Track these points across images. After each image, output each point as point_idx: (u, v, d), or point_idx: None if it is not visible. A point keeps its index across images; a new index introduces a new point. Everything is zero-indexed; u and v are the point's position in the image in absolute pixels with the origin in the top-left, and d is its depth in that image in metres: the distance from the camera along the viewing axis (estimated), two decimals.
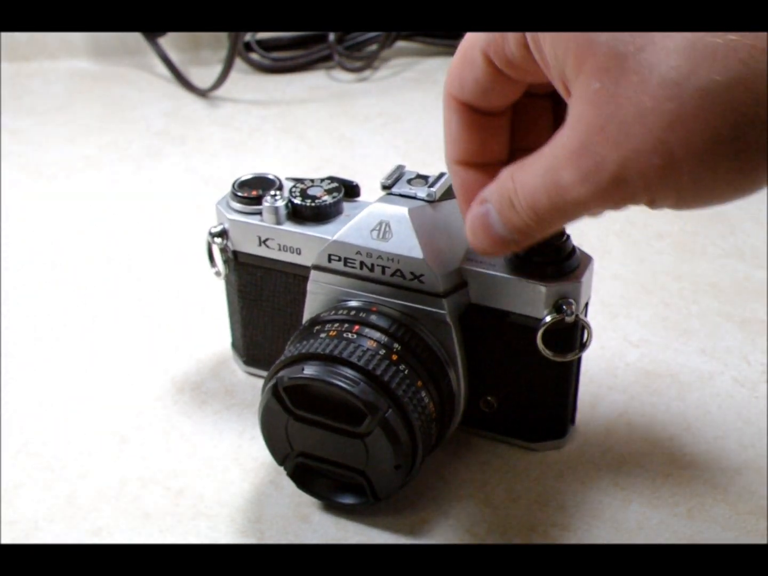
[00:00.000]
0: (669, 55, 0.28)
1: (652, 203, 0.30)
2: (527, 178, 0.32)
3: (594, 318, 0.48)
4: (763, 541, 0.40)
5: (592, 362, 0.49)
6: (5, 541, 0.40)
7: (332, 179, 0.43)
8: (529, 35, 0.31)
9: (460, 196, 0.36)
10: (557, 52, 0.30)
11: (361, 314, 0.40)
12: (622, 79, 0.28)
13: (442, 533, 0.40)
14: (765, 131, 0.28)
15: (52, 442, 0.45)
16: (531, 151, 0.35)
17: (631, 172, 0.29)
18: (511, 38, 0.32)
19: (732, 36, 0.27)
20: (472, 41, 0.34)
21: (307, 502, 0.42)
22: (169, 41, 0.83)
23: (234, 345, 0.49)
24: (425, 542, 0.40)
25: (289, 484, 0.41)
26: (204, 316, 0.53)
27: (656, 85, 0.28)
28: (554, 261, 0.39)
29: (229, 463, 0.44)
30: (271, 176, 0.45)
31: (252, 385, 0.48)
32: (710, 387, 0.48)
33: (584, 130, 0.30)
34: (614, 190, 0.30)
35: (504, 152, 0.37)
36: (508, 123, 0.36)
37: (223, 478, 0.43)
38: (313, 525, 0.41)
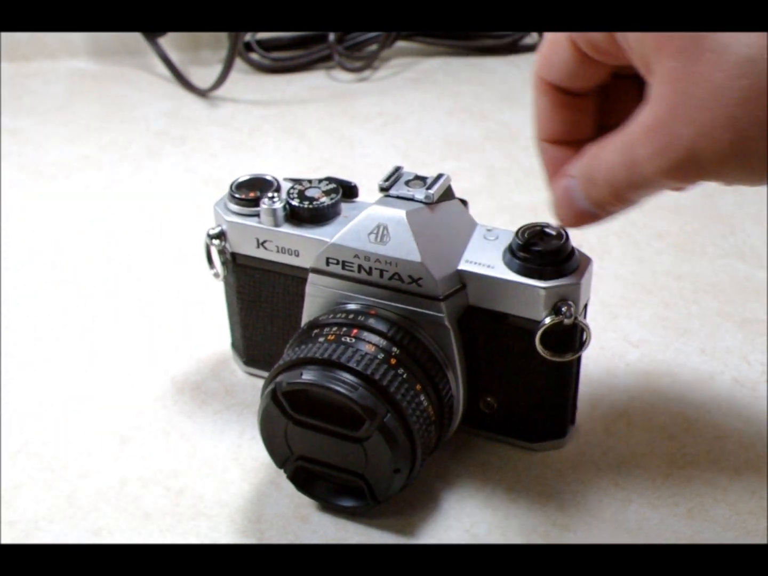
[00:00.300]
0: (743, 33, 0.28)
1: (725, 180, 0.31)
2: (607, 155, 0.33)
3: (594, 318, 0.48)
4: (763, 541, 0.40)
5: (592, 362, 0.49)
6: (5, 541, 0.40)
7: (330, 180, 0.43)
8: None
9: (547, 171, 0.38)
10: (639, 36, 0.31)
11: (359, 318, 0.40)
12: (698, 58, 0.29)
13: (442, 533, 0.40)
14: None
15: (52, 442, 0.45)
16: (572, 143, 0.37)
17: (703, 147, 0.30)
18: None
19: None
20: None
21: (306, 502, 0.42)
22: (169, 41, 0.83)
23: (234, 345, 0.49)
24: (425, 542, 0.40)
25: (289, 485, 0.41)
26: (204, 316, 0.53)
27: (731, 62, 0.29)
28: (553, 262, 0.39)
29: (229, 463, 0.44)
30: (269, 177, 0.45)
31: (252, 385, 0.48)
32: (710, 387, 0.48)
33: (661, 107, 0.31)
34: (687, 166, 0.31)
35: (590, 130, 0.38)
36: (594, 102, 0.37)
37: (223, 478, 0.43)
38: (313, 525, 0.41)
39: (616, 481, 0.43)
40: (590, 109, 0.37)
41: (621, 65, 0.35)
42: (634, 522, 0.41)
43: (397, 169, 0.42)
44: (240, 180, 0.44)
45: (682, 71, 0.30)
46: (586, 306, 0.41)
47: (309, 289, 0.42)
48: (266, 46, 0.83)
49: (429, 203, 0.41)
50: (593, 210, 0.35)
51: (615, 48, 0.33)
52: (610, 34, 0.32)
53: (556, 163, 0.38)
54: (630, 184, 0.33)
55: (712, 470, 0.43)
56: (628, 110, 0.37)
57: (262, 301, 0.45)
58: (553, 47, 0.35)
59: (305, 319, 0.42)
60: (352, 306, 0.41)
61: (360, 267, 0.40)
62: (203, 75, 0.80)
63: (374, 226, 0.40)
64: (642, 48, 0.31)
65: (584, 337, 0.40)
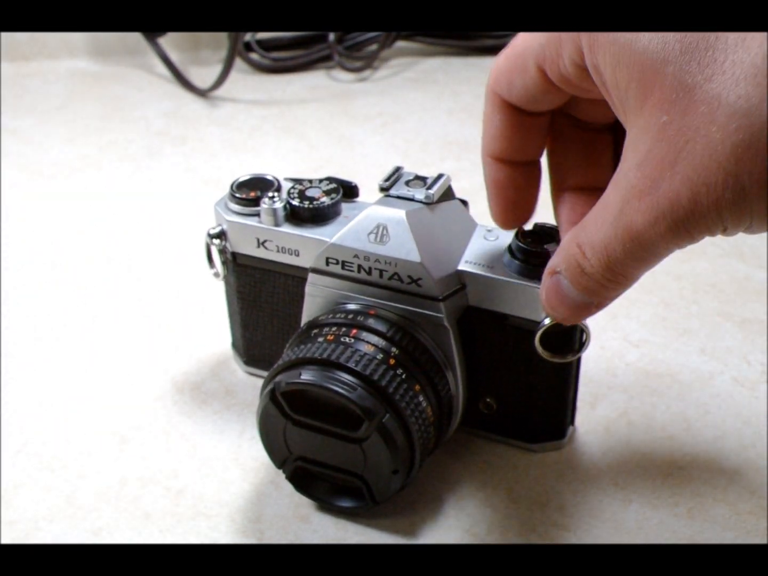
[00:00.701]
0: (737, 83, 0.27)
1: (726, 231, 0.30)
2: (595, 235, 0.32)
3: (594, 318, 0.48)
4: (763, 541, 0.40)
5: (592, 362, 0.49)
6: (5, 541, 0.40)
7: (331, 180, 0.43)
8: (588, 59, 0.31)
9: (491, 191, 0.37)
10: (619, 79, 0.30)
11: (358, 318, 0.40)
12: (690, 111, 0.28)
13: (442, 533, 0.40)
14: None
15: (52, 442, 0.45)
16: (588, 189, 0.36)
17: (704, 205, 0.29)
18: (566, 57, 0.31)
19: None
20: (525, 49, 0.33)
21: (306, 502, 0.42)
22: (169, 41, 0.83)
23: (234, 345, 0.49)
24: (425, 542, 0.40)
25: (289, 485, 0.41)
26: (204, 316, 0.53)
27: (725, 115, 0.27)
28: None
29: (229, 463, 0.44)
30: (269, 177, 0.45)
31: (252, 385, 0.48)
32: (710, 387, 0.48)
33: (655, 167, 0.29)
34: (690, 226, 0.30)
35: (539, 152, 0.37)
36: (547, 123, 0.36)
37: (223, 478, 0.43)
38: (313, 525, 0.41)
39: (616, 481, 0.43)
40: (543, 129, 0.36)
41: (587, 98, 0.34)
42: (634, 522, 0.41)
43: (397, 169, 0.42)
44: (240, 180, 0.44)
45: (673, 125, 0.28)
46: None
47: (309, 288, 0.42)
48: (266, 46, 0.83)
49: (429, 203, 0.41)
50: (588, 300, 0.34)
51: (587, 84, 0.32)
52: (583, 69, 0.31)
53: (501, 183, 0.36)
54: (629, 257, 0.31)
55: (712, 470, 0.43)
56: (601, 167, 0.36)
57: (262, 300, 0.45)
58: (516, 69, 0.34)
59: (305, 319, 0.42)
60: (351, 306, 0.41)
61: (360, 267, 0.40)
62: (203, 75, 0.80)
63: (374, 226, 0.40)
64: (621, 93, 0.30)
65: (584, 338, 0.40)
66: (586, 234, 0.32)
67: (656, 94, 0.29)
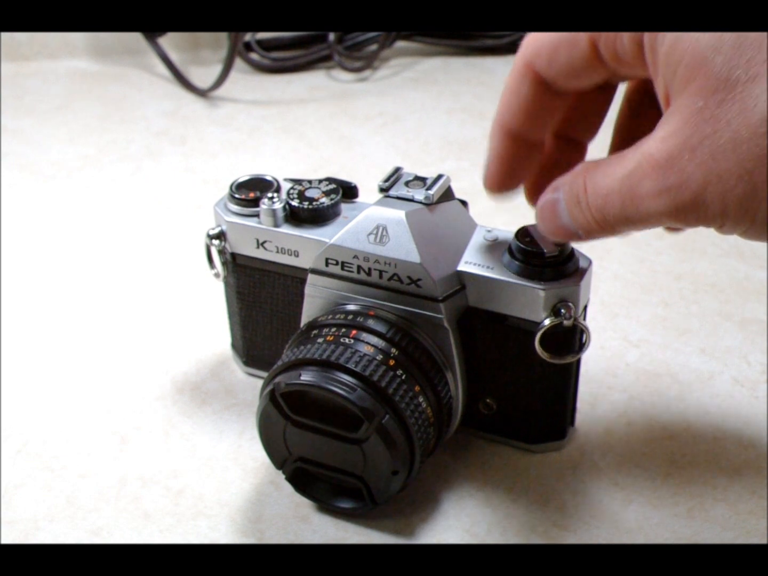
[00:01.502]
0: None
1: (722, 227, 0.31)
2: (602, 180, 0.32)
3: (594, 318, 0.48)
4: (763, 541, 0.40)
5: (592, 362, 0.49)
6: (5, 541, 0.40)
7: (330, 180, 0.43)
8: (647, 35, 0.31)
9: (492, 160, 0.37)
10: (671, 59, 0.30)
11: (358, 318, 0.40)
12: (726, 104, 0.29)
13: (442, 533, 0.40)
14: None
15: (52, 442, 0.45)
16: (575, 141, 0.37)
17: (711, 194, 0.29)
18: (626, 34, 0.32)
19: None
20: None
21: (306, 502, 0.42)
22: (169, 41, 0.83)
23: (234, 345, 0.49)
24: (425, 542, 0.40)
25: (289, 485, 0.41)
26: (204, 316, 0.53)
27: (756, 118, 0.28)
28: (553, 264, 0.39)
29: (229, 463, 0.44)
30: (269, 177, 0.45)
31: (252, 386, 0.48)
32: (710, 387, 0.48)
33: (677, 144, 0.30)
34: (690, 209, 0.30)
35: (547, 132, 0.38)
36: (567, 104, 0.37)
37: (223, 478, 0.43)
38: (313, 525, 0.41)
39: (616, 481, 0.43)
40: (561, 109, 0.37)
41: (631, 76, 0.34)
42: (634, 522, 0.41)
43: (397, 169, 0.42)
44: (240, 180, 0.44)
45: (706, 112, 0.29)
46: (585, 307, 0.41)
47: (308, 289, 0.42)
48: (266, 46, 0.83)
49: (428, 204, 0.41)
50: (576, 230, 0.34)
51: (638, 62, 0.32)
52: (640, 47, 0.31)
53: (505, 157, 0.37)
54: (623, 215, 0.32)
55: (712, 470, 0.43)
56: (591, 124, 0.38)
57: (261, 301, 0.45)
58: (564, 42, 0.34)
59: (304, 319, 0.42)
60: (351, 307, 0.41)
61: (359, 268, 0.40)
62: (203, 75, 0.80)
63: (373, 226, 0.40)
64: (669, 74, 0.31)
65: (584, 339, 0.40)
66: (595, 175, 0.33)
67: (699, 80, 0.29)
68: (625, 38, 0.32)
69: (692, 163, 0.30)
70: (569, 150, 0.39)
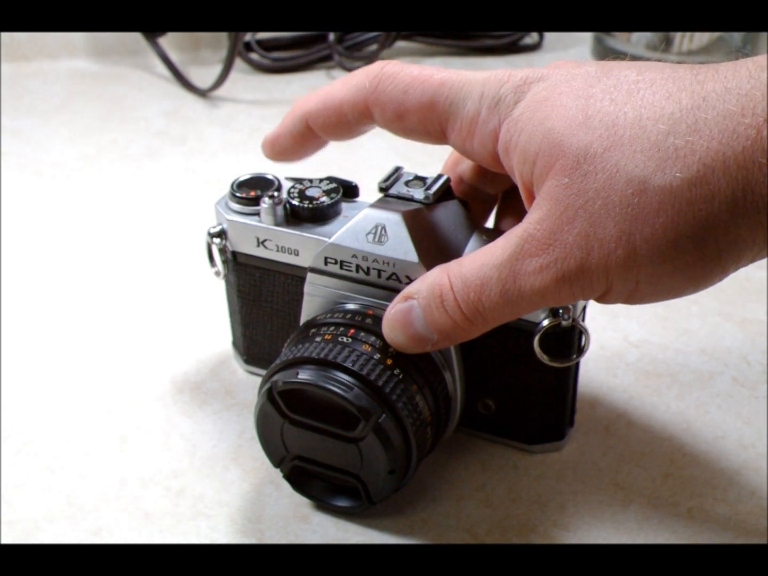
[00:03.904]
0: (635, 154, 0.30)
1: (607, 294, 0.32)
2: (475, 273, 0.34)
3: (594, 318, 0.48)
4: (763, 541, 0.40)
5: (592, 362, 0.49)
6: (5, 541, 0.40)
7: (331, 180, 0.43)
8: (500, 141, 0.34)
9: (282, 136, 0.43)
10: (527, 156, 0.33)
11: (356, 318, 0.40)
12: (590, 175, 0.31)
13: (442, 533, 0.40)
14: (722, 228, 0.30)
15: (52, 442, 0.45)
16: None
17: (595, 259, 0.31)
18: (476, 142, 0.36)
19: (690, 138, 0.29)
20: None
21: (306, 502, 0.42)
22: (169, 41, 0.83)
23: (234, 344, 0.49)
24: (425, 542, 0.40)
25: (289, 485, 0.41)
26: (204, 316, 0.53)
27: (623, 182, 0.30)
28: None
29: (229, 463, 0.44)
30: (270, 176, 0.45)
31: (252, 385, 0.48)
32: (710, 387, 0.48)
33: (554, 221, 0.31)
34: (576, 278, 0.32)
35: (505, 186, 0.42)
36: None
37: (223, 478, 0.43)
38: (313, 525, 0.41)
39: (616, 481, 0.43)
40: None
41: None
42: (634, 522, 0.41)
43: (397, 169, 0.42)
44: (241, 179, 0.44)
45: (574, 187, 0.31)
46: (584, 308, 0.41)
47: (307, 288, 0.42)
48: (266, 46, 0.83)
49: (428, 204, 0.41)
50: (431, 336, 0.36)
51: (495, 163, 0.35)
52: (494, 158, 0.35)
53: (296, 138, 0.42)
54: (503, 301, 0.33)
55: (712, 470, 0.43)
56: None
57: (262, 299, 0.45)
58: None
59: (304, 318, 0.42)
60: (350, 306, 0.41)
61: (358, 267, 0.40)
62: (203, 75, 0.80)
63: (372, 226, 0.40)
64: (526, 168, 0.33)
65: (583, 341, 0.40)
66: (461, 270, 0.34)
67: (560, 161, 0.31)
68: (476, 144, 0.35)
69: (572, 234, 0.31)
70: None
